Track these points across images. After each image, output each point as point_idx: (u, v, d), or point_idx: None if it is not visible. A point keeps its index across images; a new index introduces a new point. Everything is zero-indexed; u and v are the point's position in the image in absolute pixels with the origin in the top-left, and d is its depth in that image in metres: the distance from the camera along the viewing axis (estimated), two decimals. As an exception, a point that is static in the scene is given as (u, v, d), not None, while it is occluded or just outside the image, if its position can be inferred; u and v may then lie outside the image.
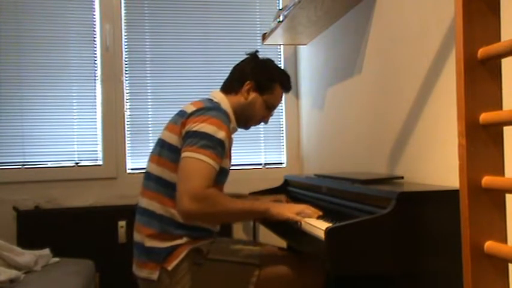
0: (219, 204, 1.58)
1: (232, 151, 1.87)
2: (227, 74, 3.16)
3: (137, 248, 1.72)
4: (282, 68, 3.14)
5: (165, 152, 1.71)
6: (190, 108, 1.72)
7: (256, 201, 1.77)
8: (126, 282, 2.02)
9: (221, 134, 1.64)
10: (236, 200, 1.68)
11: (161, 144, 1.75)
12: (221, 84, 1.94)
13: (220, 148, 1.64)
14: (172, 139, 1.70)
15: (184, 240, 1.67)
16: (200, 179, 1.56)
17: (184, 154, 1.60)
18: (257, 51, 1.94)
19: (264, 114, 1.91)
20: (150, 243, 1.67)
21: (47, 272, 2.18)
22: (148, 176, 1.76)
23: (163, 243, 1.66)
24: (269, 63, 1.92)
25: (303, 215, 1.59)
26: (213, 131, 1.63)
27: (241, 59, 1.95)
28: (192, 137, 1.62)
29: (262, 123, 1.97)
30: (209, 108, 1.71)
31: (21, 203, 2.78)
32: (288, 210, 1.63)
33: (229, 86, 1.88)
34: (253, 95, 1.85)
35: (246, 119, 1.89)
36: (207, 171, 1.58)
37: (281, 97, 1.95)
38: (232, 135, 1.84)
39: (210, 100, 1.82)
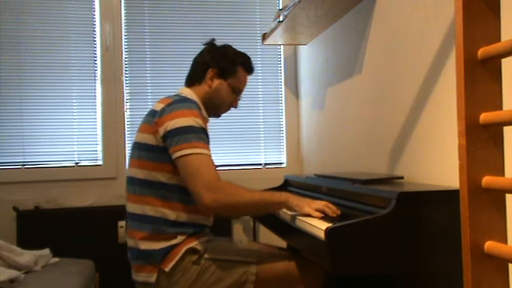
0: (237, 194, 1.60)
1: (232, 151, 1.87)
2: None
3: (132, 253, 1.71)
4: (283, 67, 3.16)
5: (143, 153, 1.70)
6: (159, 106, 1.71)
7: (274, 192, 1.74)
8: (126, 282, 2.02)
9: (200, 122, 1.66)
10: (254, 190, 1.66)
11: (137, 147, 1.74)
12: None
13: (205, 135, 1.66)
14: (148, 139, 1.69)
15: (179, 239, 1.66)
16: (209, 170, 1.59)
17: (178, 153, 1.60)
18: (213, 39, 1.93)
19: (231, 99, 1.89)
20: (145, 245, 1.66)
21: (47, 272, 2.18)
22: (131, 180, 1.74)
23: (158, 244, 1.65)
24: (228, 48, 1.91)
25: (321, 212, 1.59)
26: (192, 122, 1.64)
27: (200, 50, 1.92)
28: (176, 135, 1.62)
29: (232, 109, 1.94)
30: (178, 101, 1.71)
31: (21, 203, 2.78)
32: (308, 205, 1.62)
33: (192, 78, 1.87)
34: (217, 82, 1.84)
35: (215, 107, 1.88)
36: (209, 161, 1.61)
37: (246, 79, 1.93)
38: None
39: (177, 95, 1.82)
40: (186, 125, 1.63)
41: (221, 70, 1.84)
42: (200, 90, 1.84)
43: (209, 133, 1.78)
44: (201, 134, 1.64)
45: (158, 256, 1.64)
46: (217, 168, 1.73)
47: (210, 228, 1.83)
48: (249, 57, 1.93)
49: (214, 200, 1.56)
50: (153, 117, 1.70)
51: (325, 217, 1.57)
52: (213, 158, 1.64)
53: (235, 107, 1.94)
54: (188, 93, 1.83)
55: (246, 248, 1.76)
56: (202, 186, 1.56)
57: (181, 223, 1.68)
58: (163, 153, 1.65)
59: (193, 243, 1.67)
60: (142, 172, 1.69)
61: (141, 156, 1.71)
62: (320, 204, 1.62)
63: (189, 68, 1.92)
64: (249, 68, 1.92)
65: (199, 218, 1.73)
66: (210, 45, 1.91)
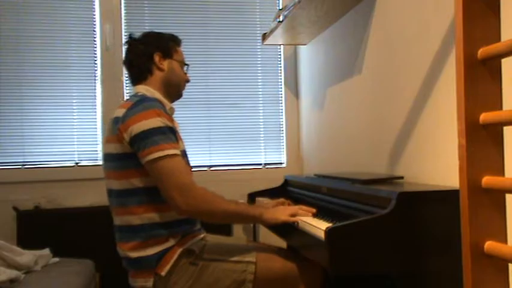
0: (212, 201, 1.60)
1: (232, 151, 1.86)
2: (227, 74, 3.15)
3: (125, 261, 1.70)
4: (283, 67, 3.17)
5: (113, 163, 1.67)
6: (121, 112, 1.67)
7: (252, 205, 1.77)
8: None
9: (164, 121, 1.62)
10: (230, 201, 1.68)
11: (107, 158, 1.71)
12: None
13: (172, 134, 1.64)
14: (117, 148, 1.65)
15: (172, 242, 1.64)
16: (181, 173, 1.58)
17: (148, 158, 1.57)
18: (131, 34, 1.88)
19: (184, 75, 1.89)
20: (136, 254, 1.64)
21: (47, 272, 2.18)
22: (111, 193, 1.72)
23: (151, 250, 1.63)
24: (152, 33, 1.88)
25: (297, 216, 1.63)
26: (156, 123, 1.60)
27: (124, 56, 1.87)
28: (143, 140, 1.58)
29: (187, 84, 1.93)
30: (139, 102, 1.66)
31: (21, 203, 2.78)
32: (282, 213, 1.65)
33: (141, 74, 1.82)
34: (166, 62, 1.82)
35: (175, 87, 1.85)
36: (180, 163, 1.60)
37: (183, 52, 1.92)
38: (176, 119, 1.82)
39: (135, 95, 1.77)
40: (152, 126, 1.59)
41: (163, 50, 1.82)
42: (155, 80, 1.80)
43: (178, 126, 1.77)
44: (168, 134, 1.61)
45: (152, 261, 1.62)
46: (192, 170, 1.73)
47: (207, 227, 1.82)
48: (171, 34, 1.90)
49: (188, 204, 1.56)
50: (116, 125, 1.65)
51: (325, 217, 1.57)
52: (212, 157, 1.64)
53: (189, 81, 1.92)
54: (145, 89, 1.78)
55: (244, 247, 1.75)
56: (175, 190, 1.55)
57: (170, 223, 1.65)
58: (134, 159, 1.62)
59: (188, 244, 1.66)
60: (119, 182, 1.66)
61: (113, 167, 1.68)
62: (293, 209, 1.68)
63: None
64: (178, 41, 1.91)
65: None
66: (133, 40, 1.86)
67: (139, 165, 1.61)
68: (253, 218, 1.71)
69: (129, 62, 1.84)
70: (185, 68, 1.91)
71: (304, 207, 1.69)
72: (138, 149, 1.60)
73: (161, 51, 1.82)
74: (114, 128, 1.66)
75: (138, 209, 1.64)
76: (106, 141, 1.72)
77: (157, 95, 1.77)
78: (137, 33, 2.98)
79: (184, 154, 1.75)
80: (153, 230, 1.64)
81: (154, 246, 1.63)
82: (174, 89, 1.85)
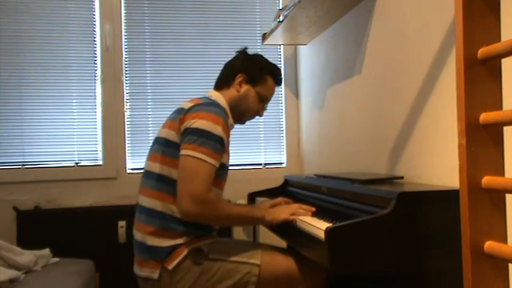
0: (218, 209, 1.63)
1: (232, 151, 1.87)
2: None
3: (138, 247, 1.72)
4: (283, 67, 3.16)
5: (165, 149, 1.72)
6: (188, 105, 1.73)
7: (254, 208, 1.80)
8: (126, 282, 2.03)
9: (219, 130, 1.66)
10: (234, 205, 1.73)
11: (160, 142, 1.75)
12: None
13: (219, 145, 1.66)
14: (172, 136, 1.71)
15: (185, 239, 1.67)
16: (201, 181, 1.59)
17: (184, 152, 1.62)
18: (246, 47, 1.96)
19: (258, 107, 1.92)
20: (153, 241, 1.67)
21: (47, 272, 2.18)
22: (148, 174, 1.76)
23: (164, 242, 1.65)
24: (259, 56, 1.95)
25: (297, 214, 1.66)
26: (212, 128, 1.64)
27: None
28: (191, 134, 1.63)
29: (257, 117, 1.98)
30: (207, 104, 1.72)
31: (21, 203, 2.78)
32: (282, 212, 1.69)
33: (221, 82, 1.90)
34: (245, 87, 1.86)
35: (241, 112, 1.90)
36: (207, 171, 1.61)
37: (274, 89, 1.96)
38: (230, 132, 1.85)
39: (208, 97, 1.84)
40: (205, 128, 1.64)
41: (250, 76, 1.87)
42: (228, 95, 1.86)
43: (230, 143, 1.80)
44: (215, 143, 1.64)
45: (163, 253, 1.65)
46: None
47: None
48: (278, 69, 1.96)
49: (196, 211, 1.59)
50: (179, 114, 1.72)
51: (325, 217, 1.57)
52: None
53: (261, 115, 1.97)
54: (217, 97, 1.84)
55: (248, 249, 1.76)
56: (187, 194, 1.58)
57: (188, 222, 1.67)
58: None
59: (198, 244, 1.68)
60: (161, 167, 1.71)
61: (163, 152, 1.72)
62: (293, 207, 1.72)
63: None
64: (277, 79, 1.95)
65: None
66: (242, 53, 1.94)
67: None
68: (255, 220, 1.76)
69: (224, 66, 1.94)
70: (264, 103, 1.94)
71: (304, 205, 1.72)
72: (182, 140, 1.65)
73: (247, 75, 1.86)
74: (176, 116, 1.73)
75: (166, 198, 1.68)
76: (165, 125, 1.78)
77: (226, 107, 1.82)
78: (137, 33, 3.00)
79: (223, 167, 1.77)
80: (171, 223, 1.67)
81: (167, 238, 1.66)
82: (237, 113, 1.88)
